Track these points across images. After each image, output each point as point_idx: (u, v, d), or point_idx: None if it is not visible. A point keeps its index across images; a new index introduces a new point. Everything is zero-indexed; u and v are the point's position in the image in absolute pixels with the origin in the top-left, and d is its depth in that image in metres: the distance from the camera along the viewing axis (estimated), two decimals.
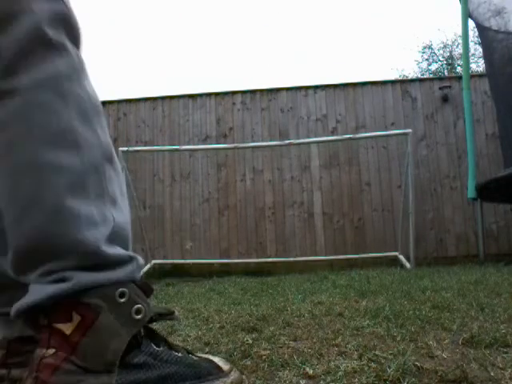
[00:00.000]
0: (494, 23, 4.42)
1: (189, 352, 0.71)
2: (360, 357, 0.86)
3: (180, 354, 0.66)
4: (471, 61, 15.19)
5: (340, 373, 0.75)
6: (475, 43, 14.47)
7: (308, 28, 36.03)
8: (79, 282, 0.56)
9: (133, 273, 0.62)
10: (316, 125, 5.07)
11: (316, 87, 5.16)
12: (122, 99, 5.31)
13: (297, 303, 1.70)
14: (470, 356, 0.84)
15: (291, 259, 4.55)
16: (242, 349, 0.97)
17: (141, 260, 0.65)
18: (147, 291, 0.63)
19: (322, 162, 4.94)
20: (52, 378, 0.52)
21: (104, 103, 5.04)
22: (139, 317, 0.59)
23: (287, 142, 4.54)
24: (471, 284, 2.07)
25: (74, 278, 0.56)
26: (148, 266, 4.35)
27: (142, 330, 0.61)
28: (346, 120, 5.04)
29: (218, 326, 1.30)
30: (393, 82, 5.16)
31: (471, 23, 4.62)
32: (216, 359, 0.72)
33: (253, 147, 4.77)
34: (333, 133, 4.99)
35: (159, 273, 4.51)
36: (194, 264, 4.64)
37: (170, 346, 0.67)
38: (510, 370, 0.75)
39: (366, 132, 4.86)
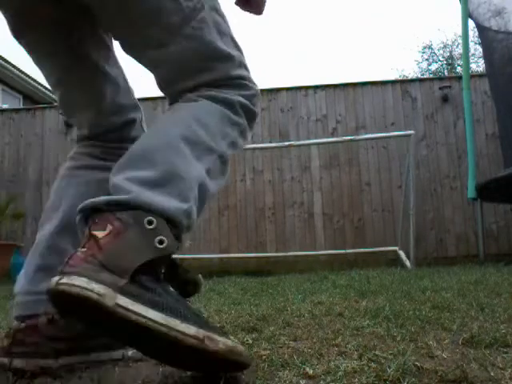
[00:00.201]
0: (494, 23, 4.42)
1: None
2: (360, 357, 0.86)
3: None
4: (471, 61, 15.19)
5: (340, 373, 0.75)
6: (475, 43, 14.49)
7: (308, 28, 36.03)
8: (136, 197, 0.67)
9: (180, 214, 0.70)
10: (316, 125, 5.06)
11: (316, 87, 5.16)
12: None
13: (297, 303, 1.70)
14: (470, 356, 0.84)
15: (290, 254, 4.55)
16: None
17: (194, 214, 0.74)
18: (178, 235, 0.70)
19: (322, 162, 4.94)
20: (78, 264, 0.63)
21: None
22: (161, 246, 0.66)
23: (287, 143, 4.53)
24: (471, 284, 2.07)
25: (134, 193, 0.67)
26: None
27: (163, 268, 0.69)
28: (346, 120, 5.03)
29: (217, 326, 1.30)
30: (393, 82, 5.16)
31: (471, 23, 4.62)
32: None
33: (253, 149, 4.76)
34: (333, 133, 4.99)
35: None
36: (193, 260, 4.62)
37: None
38: (510, 370, 0.75)
39: (366, 132, 4.86)
